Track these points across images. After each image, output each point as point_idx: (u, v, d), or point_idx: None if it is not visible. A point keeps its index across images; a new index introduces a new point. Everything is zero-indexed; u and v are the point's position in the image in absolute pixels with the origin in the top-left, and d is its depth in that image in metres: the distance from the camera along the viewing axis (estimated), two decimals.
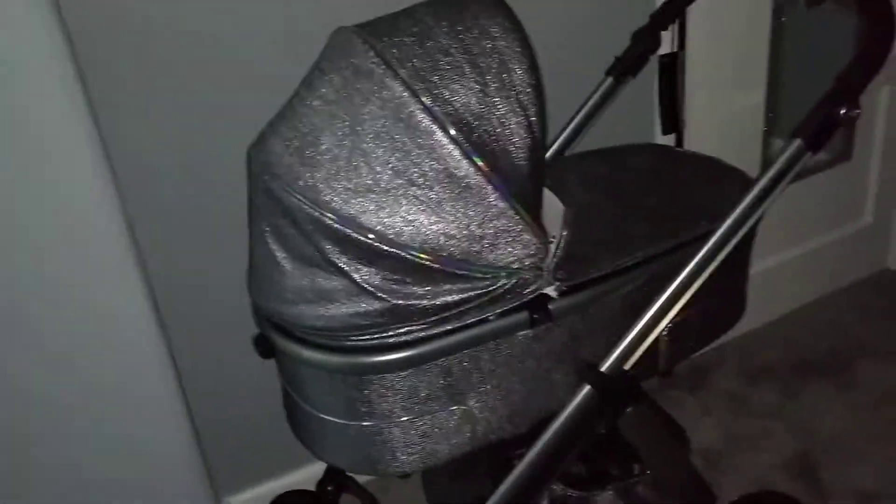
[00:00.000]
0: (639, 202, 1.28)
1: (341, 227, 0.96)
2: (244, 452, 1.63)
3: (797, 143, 1.08)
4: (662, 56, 1.44)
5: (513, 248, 1.01)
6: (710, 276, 1.18)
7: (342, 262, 0.98)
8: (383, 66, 0.96)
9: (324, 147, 0.98)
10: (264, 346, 1.12)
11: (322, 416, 1.11)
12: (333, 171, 0.97)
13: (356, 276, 0.98)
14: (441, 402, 1.08)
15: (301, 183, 0.98)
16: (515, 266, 1.03)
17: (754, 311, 2.04)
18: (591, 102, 1.43)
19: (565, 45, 1.58)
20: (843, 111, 1.05)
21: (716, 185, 1.29)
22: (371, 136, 0.96)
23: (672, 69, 1.45)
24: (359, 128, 0.97)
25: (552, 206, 1.16)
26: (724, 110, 1.78)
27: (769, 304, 2.07)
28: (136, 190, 1.32)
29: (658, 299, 1.13)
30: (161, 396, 1.18)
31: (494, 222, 0.99)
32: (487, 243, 1.00)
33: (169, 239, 1.41)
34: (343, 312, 1.00)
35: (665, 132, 1.49)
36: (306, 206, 0.97)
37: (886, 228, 2.19)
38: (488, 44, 0.98)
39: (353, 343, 1.03)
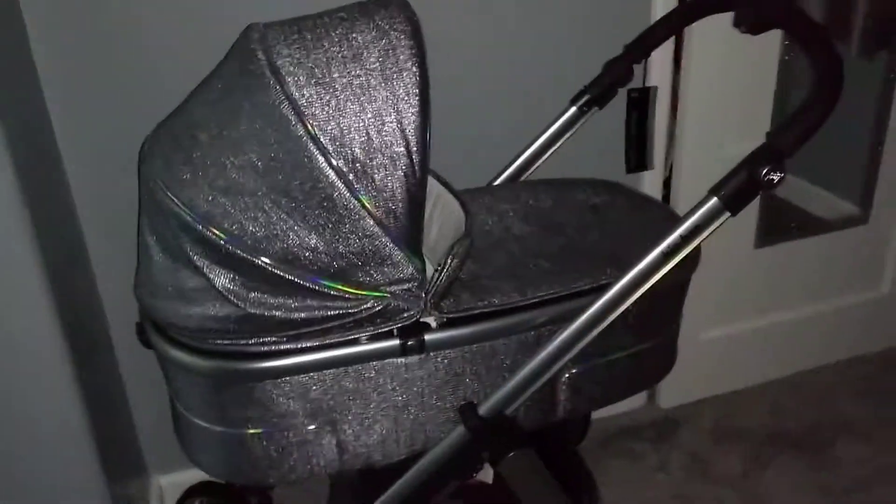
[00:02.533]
0: (566, 240, 1.22)
1: (199, 227, 0.94)
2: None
3: (712, 201, 1.00)
4: (632, 90, 1.35)
5: (381, 271, 0.97)
6: (623, 328, 1.12)
7: (200, 261, 0.96)
8: (268, 68, 0.93)
9: (198, 142, 0.96)
10: (143, 336, 1.10)
11: (187, 415, 1.09)
12: (201, 168, 0.94)
13: (212, 277, 0.96)
14: (300, 418, 1.04)
15: (169, 176, 0.96)
16: (386, 290, 0.98)
17: (743, 370, 1.94)
18: (550, 131, 1.36)
19: (548, 61, 1.51)
20: (764, 173, 0.96)
21: (652, 234, 1.20)
22: (242, 137, 0.93)
23: (643, 105, 1.36)
24: (232, 127, 0.94)
25: (448, 234, 1.11)
26: (720, 153, 1.67)
27: (761, 365, 1.95)
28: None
29: (548, 346, 1.06)
30: (49, 374, 1.18)
31: (362, 242, 0.95)
32: (353, 263, 0.96)
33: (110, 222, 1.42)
34: (199, 313, 0.98)
35: (629, 170, 1.41)
36: (170, 201, 0.95)
37: None
38: (380, 63, 0.93)
39: (211, 346, 1.00)
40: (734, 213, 1.00)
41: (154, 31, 1.31)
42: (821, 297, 1.92)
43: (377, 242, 0.95)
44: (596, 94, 1.34)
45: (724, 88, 1.61)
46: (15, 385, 1.16)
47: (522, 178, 1.40)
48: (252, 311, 0.96)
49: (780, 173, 0.97)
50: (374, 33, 0.95)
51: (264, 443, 1.05)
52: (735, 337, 1.90)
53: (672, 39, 1.54)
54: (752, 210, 1.77)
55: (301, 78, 0.92)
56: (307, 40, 0.95)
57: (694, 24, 1.46)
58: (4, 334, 1.13)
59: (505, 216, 1.29)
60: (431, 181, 1.23)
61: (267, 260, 0.94)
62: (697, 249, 1.18)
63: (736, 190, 0.99)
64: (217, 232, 0.93)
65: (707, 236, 1.03)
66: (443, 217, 1.21)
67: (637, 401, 1.92)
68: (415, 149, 0.94)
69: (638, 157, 1.41)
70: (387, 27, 0.95)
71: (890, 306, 2.00)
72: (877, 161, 1.83)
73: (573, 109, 1.35)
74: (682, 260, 1.12)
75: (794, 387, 1.95)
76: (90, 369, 1.31)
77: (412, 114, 0.93)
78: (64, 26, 1.26)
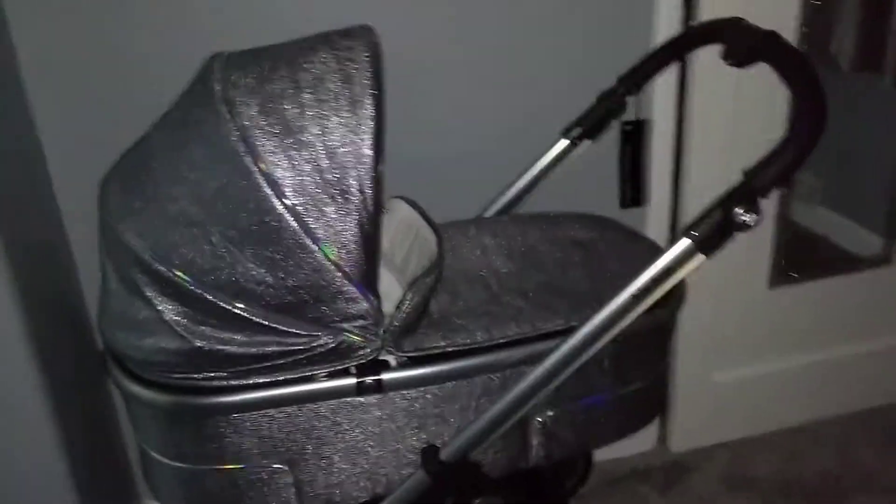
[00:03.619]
0: (547, 278, 1.17)
1: (147, 258, 0.92)
2: None
3: (684, 243, 0.94)
4: (626, 123, 1.31)
5: (334, 307, 0.94)
6: (598, 371, 1.07)
7: (150, 293, 0.94)
8: (222, 99, 0.91)
9: (151, 172, 0.95)
10: (104, 363, 1.09)
11: (145, 447, 1.07)
12: (152, 199, 0.93)
13: (161, 309, 0.94)
14: (254, 456, 1.01)
15: (122, 205, 0.95)
16: (340, 326, 0.95)
17: (759, 415, 1.85)
18: (541, 163, 1.33)
19: (543, 91, 1.47)
20: (737, 214, 0.91)
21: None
22: (193, 168, 0.92)
23: (637, 139, 1.31)
24: (184, 158, 0.93)
25: (409, 270, 1.08)
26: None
27: (777, 411, 1.86)
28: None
29: (514, 389, 1.02)
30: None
31: (313, 276, 0.92)
32: (304, 298, 0.93)
33: None
34: (150, 345, 0.96)
35: (624, 206, 1.36)
36: (121, 230, 0.94)
37: None
38: (334, 94, 0.91)
39: (162, 379, 0.98)
40: (708, 255, 0.94)
41: (147, 40, 1.31)
42: (841, 341, 1.83)
43: (329, 277, 0.92)
44: (588, 127, 1.30)
45: (732, 119, 1.54)
46: None
47: (512, 211, 1.36)
48: (200, 344, 0.94)
49: (755, 214, 0.91)
50: (331, 64, 0.93)
51: (219, 480, 1.03)
52: (750, 380, 1.81)
53: (677, 69, 1.50)
54: (764, 248, 1.70)
55: (253, 109, 0.90)
56: (264, 70, 0.94)
57: (700, 53, 1.42)
58: None
59: (488, 250, 1.25)
60: (411, 212, 1.21)
61: (215, 293, 0.92)
62: (682, 290, 1.14)
63: (709, 231, 0.93)
64: (165, 264, 0.91)
65: (680, 278, 0.97)
66: (420, 250, 1.18)
67: (646, 443, 1.84)
68: (367, 183, 0.91)
69: (633, 193, 1.37)
70: (345, 57, 0.93)
71: None
72: None
73: (565, 142, 1.31)
74: (663, 301, 1.07)
75: (811, 435, 1.86)
76: (70, 394, 1.30)
77: (365, 147, 0.90)
78: (50, 31, 1.26)
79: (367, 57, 0.93)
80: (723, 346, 1.76)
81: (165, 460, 1.04)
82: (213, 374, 0.96)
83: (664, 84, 1.48)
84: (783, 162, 0.91)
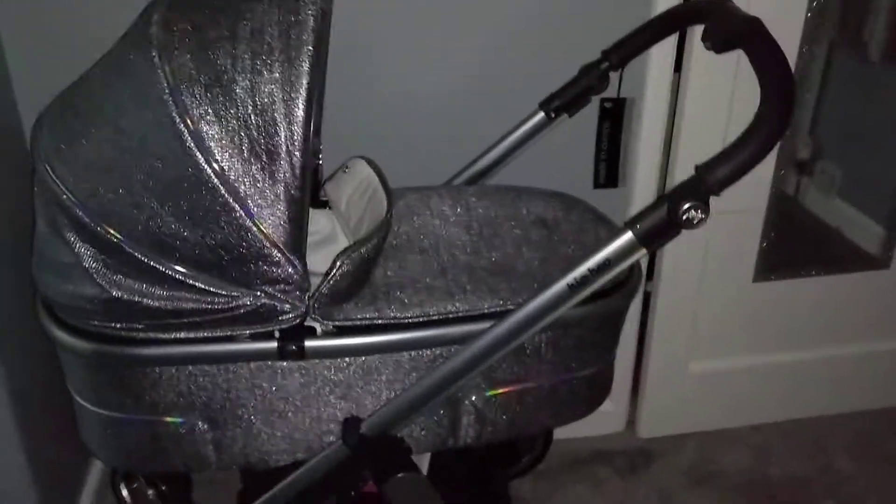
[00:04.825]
0: (500, 255, 1.13)
1: (67, 202, 0.89)
2: None
3: (626, 235, 0.89)
4: (605, 100, 1.25)
5: (255, 269, 0.91)
6: (536, 357, 1.03)
7: (70, 237, 0.92)
8: (156, 43, 0.87)
9: (79, 113, 0.92)
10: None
11: (72, 392, 1.06)
12: (76, 140, 0.90)
13: (80, 255, 0.91)
14: (173, 411, 1.00)
15: (49, 146, 0.92)
16: (262, 288, 0.92)
17: (732, 409, 1.81)
18: (515, 134, 1.27)
19: (529, 57, 1.41)
20: (684, 210, 0.86)
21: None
22: (120, 112, 0.89)
23: (616, 116, 1.25)
24: (112, 101, 0.89)
25: (361, 233, 1.04)
26: None
27: (752, 406, 1.81)
28: None
29: (441, 368, 0.99)
30: None
31: (233, 236, 0.88)
32: (224, 257, 0.90)
33: None
34: (71, 291, 0.94)
35: (597, 186, 1.30)
36: (45, 171, 0.91)
37: None
38: (269, 47, 0.86)
39: (81, 326, 0.97)
40: (649, 249, 0.90)
41: None
42: (823, 342, 1.76)
43: (250, 238, 0.89)
44: (567, 101, 1.23)
45: (728, 101, 1.46)
46: None
47: (481, 182, 1.31)
48: (117, 294, 0.91)
49: (703, 213, 0.86)
50: (272, 14, 0.88)
51: (138, 431, 1.02)
52: (727, 373, 1.76)
53: (675, 45, 1.42)
54: (753, 240, 1.63)
55: (184, 57, 0.86)
56: (204, 16, 0.89)
57: (698, 29, 1.34)
58: None
59: (447, 220, 1.21)
60: (370, 174, 1.17)
61: (132, 244, 0.89)
62: (633, 281, 1.09)
63: (652, 226, 0.88)
64: (84, 209, 0.89)
65: (618, 270, 0.92)
66: (372, 214, 1.14)
67: (614, 425, 1.81)
68: (297, 145, 0.87)
69: (608, 173, 1.31)
70: (289, 8, 0.88)
71: None
72: None
73: (541, 115, 1.25)
74: (613, 290, 1.04)
75: (785, 434, 1.81)
76: (23, 348, 1.28)
77: (297, 107, 0.86)
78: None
79: (311, 11, 0.89)
80: (701, 336, 1.71)
81: (88, 405, 1.03)
82: (129, 325, 0.94)
83: (660, 60, 1.41)
84: (738, 161, 0.85)
